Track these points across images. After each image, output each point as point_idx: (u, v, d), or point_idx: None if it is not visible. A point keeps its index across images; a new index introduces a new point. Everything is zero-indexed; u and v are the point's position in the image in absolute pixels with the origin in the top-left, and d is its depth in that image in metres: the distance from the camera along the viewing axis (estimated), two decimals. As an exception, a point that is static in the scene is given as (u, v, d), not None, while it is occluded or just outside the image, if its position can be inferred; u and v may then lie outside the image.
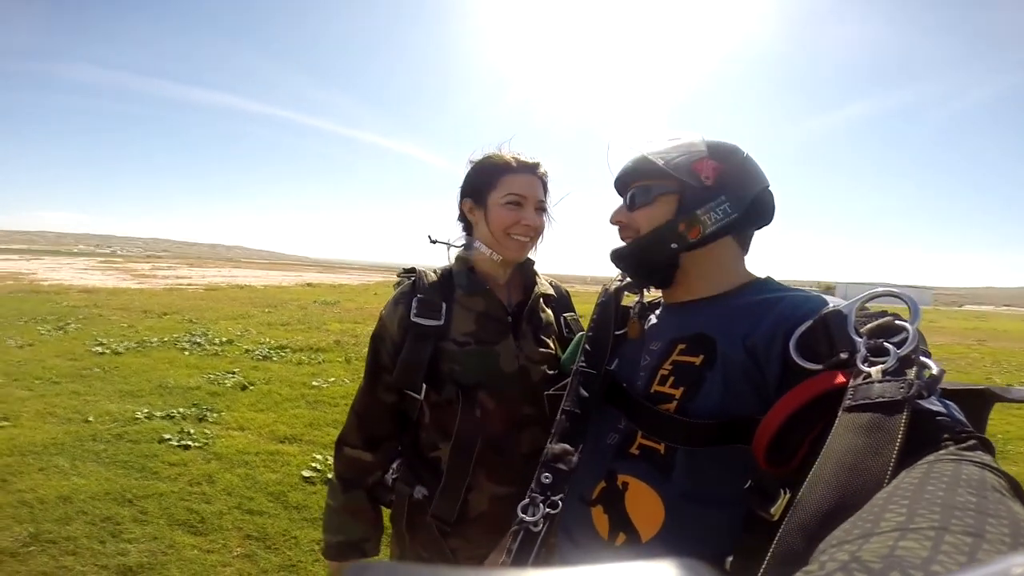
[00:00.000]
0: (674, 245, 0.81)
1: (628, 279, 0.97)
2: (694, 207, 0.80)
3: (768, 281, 0.84)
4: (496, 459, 1.04)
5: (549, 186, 1.16)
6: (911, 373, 0.52)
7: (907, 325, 0.58)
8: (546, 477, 0.81)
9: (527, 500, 0.80)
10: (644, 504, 0.75)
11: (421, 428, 1.10)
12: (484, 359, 1.05)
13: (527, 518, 0.78)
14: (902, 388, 0.50)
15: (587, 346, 0.94)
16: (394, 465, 1.15)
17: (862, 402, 0.51)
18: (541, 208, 1.11)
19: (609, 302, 0.97)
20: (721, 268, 0.84)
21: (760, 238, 0.89)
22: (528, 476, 0.83)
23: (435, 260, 1.21)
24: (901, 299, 0.64)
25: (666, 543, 0.72)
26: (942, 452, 0.45)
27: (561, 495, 0.80)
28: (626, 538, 0.76)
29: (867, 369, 0.55)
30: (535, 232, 1.10)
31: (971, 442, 0.46)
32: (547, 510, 0.78)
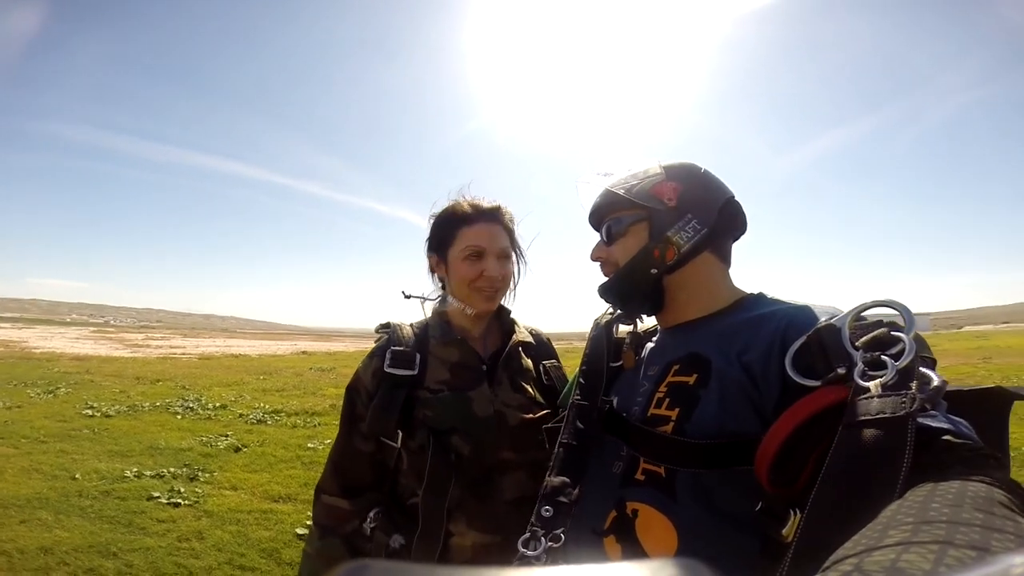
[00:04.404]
0: (654, 270, 0.81)
1: (618, 312, 0.97)
2: (664, 230, 0.80)
3: (760, 296, 0.83)
4: (477, 505, 1.01)
5: (517, 228, 1.14)
6: (912, 387, 0.49)
7: (903, 336, 0.55)
8: (546, 511, 0.78)
9: (528, 535, 0.76)
10: (656, 530, 0.71)
11: (400, 475, 1.09)
12: (457, 405, 1.03)
13: (529, 552, 0.75)
14: (903, 403, 0.48)
15: (581, 379, 0.92)
16: (372, 514, 1.11)
17: (862, 418, 0.49)
18: (505, 256, 1.09)
19: (601, 335, 0.96)
20: (708, 285, 0.83)
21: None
22: (513, 524, 0.80)
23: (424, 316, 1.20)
24: (894, 308, 0.61)
25: None
26: (948, 471, 0.43)
27: (563, 528, 0.77)
28: None
29: (865, 384, 0.52)
30: (502, 283, 1.09)
31: (979, 460, 0.45)
32: (549, 543, 0.75)
